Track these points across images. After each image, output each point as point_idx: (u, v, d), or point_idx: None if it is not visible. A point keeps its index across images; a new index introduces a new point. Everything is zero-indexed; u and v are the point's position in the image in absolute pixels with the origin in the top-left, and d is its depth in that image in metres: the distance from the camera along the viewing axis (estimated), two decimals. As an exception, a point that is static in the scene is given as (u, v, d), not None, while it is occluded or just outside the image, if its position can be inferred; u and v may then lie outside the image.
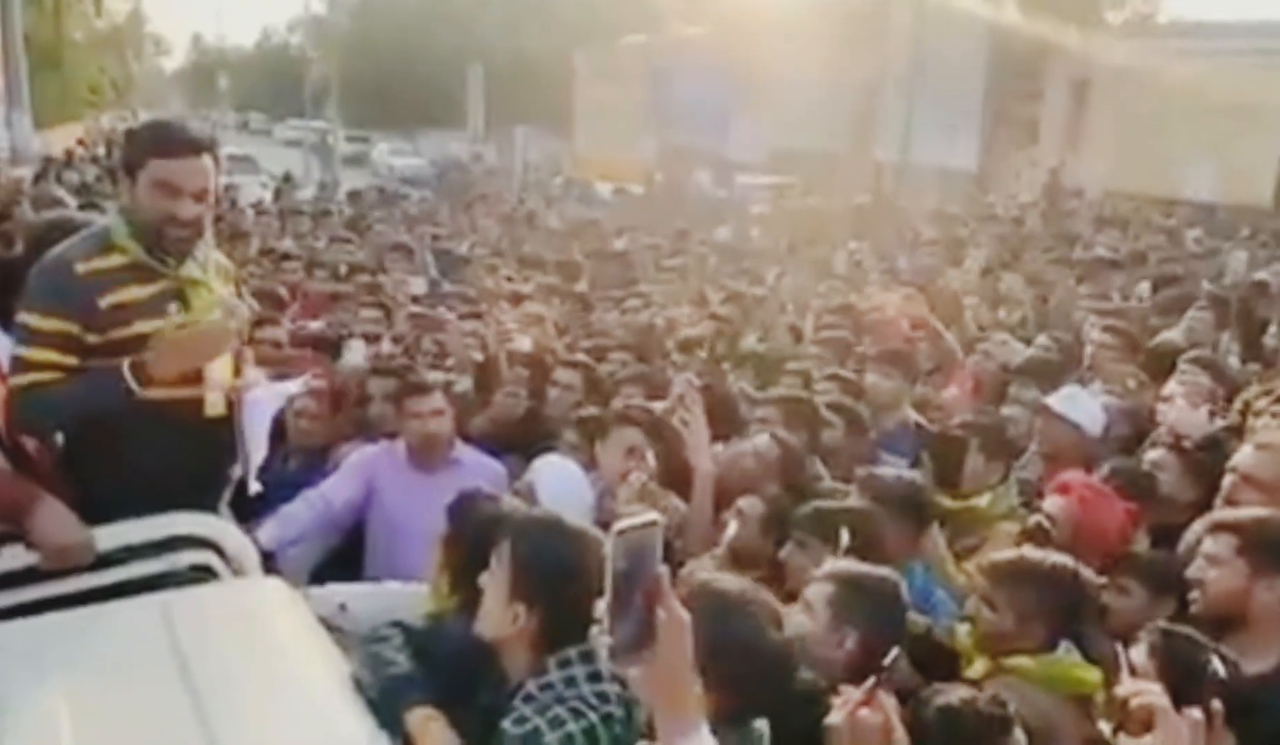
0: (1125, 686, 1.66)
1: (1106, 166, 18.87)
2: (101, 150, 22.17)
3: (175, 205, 2.26)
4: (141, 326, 2.24)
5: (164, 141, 2.28)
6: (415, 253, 7.47)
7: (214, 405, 2.37)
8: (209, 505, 2.39)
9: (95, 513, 2.18)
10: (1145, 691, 1.61)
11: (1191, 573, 2.27)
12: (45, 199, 9.16)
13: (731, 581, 1.77)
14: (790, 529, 2.62)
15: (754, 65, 26.12)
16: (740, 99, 27.27)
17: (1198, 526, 2.55)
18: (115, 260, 2.25)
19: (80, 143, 23.72)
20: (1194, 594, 2.23)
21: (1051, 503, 2.76)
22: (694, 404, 3.02)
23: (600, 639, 1.15)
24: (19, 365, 2.20)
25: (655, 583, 1.14)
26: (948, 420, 3.73)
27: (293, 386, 2.63)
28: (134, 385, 2.19)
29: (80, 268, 2.21)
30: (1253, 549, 2.17)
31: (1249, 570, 2.16)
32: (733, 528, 2.70)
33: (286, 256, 7.00)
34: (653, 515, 1.17)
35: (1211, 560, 2.22)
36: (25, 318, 2.20)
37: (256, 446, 2.48)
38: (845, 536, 2.39)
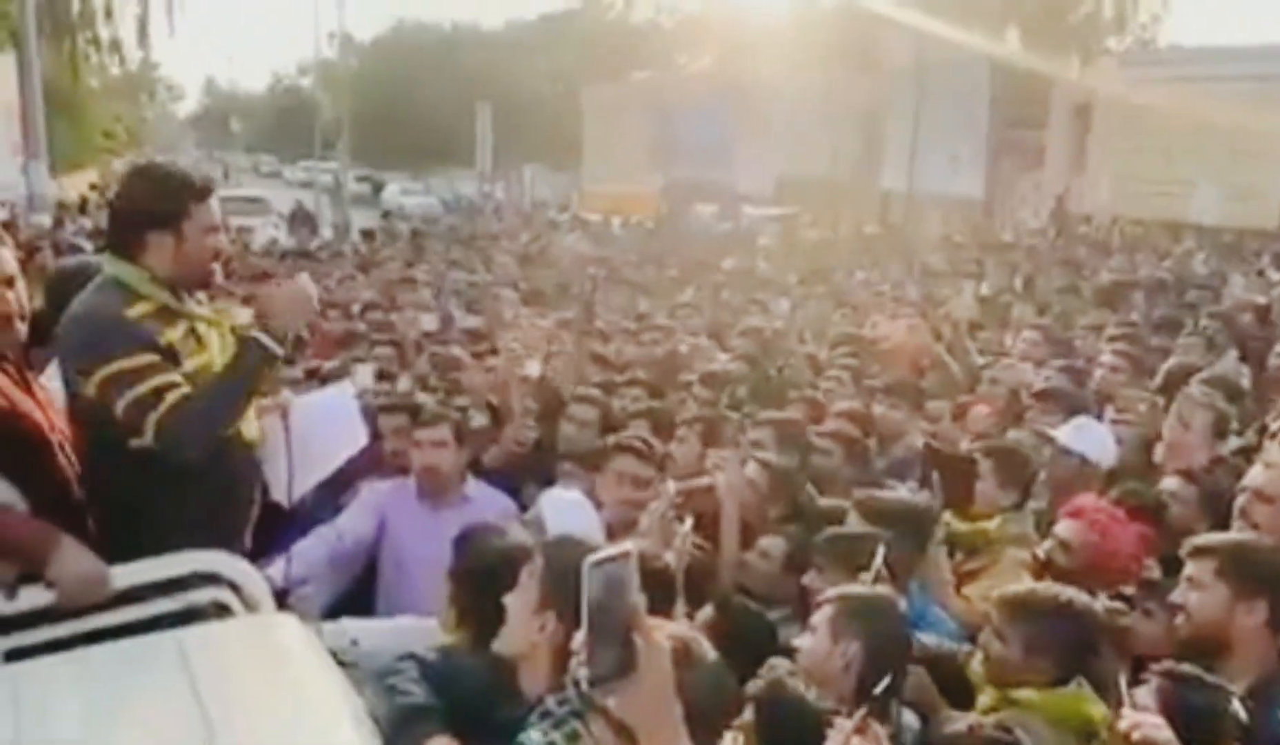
0: (1126, 719, 1.65)
1: (1112, 191, 18.91)
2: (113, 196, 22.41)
3: (217, 242, 2.40)
4: (189, 365, 2.30)
5: (197, 186, 2.37)
6: (430, 289, 7.53)
7: (251, 429, 2.44)
8: (235, 540, 2.42)
9: (120, 551, 2.19)
10: (1144, 723, 1.60)
11: (1175, 597, 2.26)
12: (64, 245, 9.34)
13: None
14: (811, 556, 2.65)
15: (759, 98, 26.36)
16: (746, 131, 27.50)
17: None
18: (144, 307, 2.30)
19: (94, 187, 24.03)
20: (1179, 619, 2.22)
21: (1065, 527, 2.76)
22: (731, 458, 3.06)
23: (579, 670, 1.15)
24: (149, 399, 2.18)
25: (633, 612, 1.16)
26: (971, 440, 3.74)
27: (364, 375, 2.70)
28: (274, 346, 2.27)
29: (130, 313, 2.26)
30: (1232, 573, 2.17)
31: (1230, 594, 2.16)
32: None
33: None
34: (626, 546, 1.19)
35: (1193, 584, 2.22)
36: (115, 367, 2.18)
37: (346, 442, 2.63)
38: (882, 554, 2.41)
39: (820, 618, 2.15)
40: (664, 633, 1.34)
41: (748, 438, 3.61)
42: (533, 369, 4.18)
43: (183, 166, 2.53)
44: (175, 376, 2.24)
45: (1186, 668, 1.94)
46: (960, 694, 2.33)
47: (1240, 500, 2.64)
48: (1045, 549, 2.72)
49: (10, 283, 2.26)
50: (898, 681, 2.11)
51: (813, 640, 2.13)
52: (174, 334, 2.32)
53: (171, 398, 2.20)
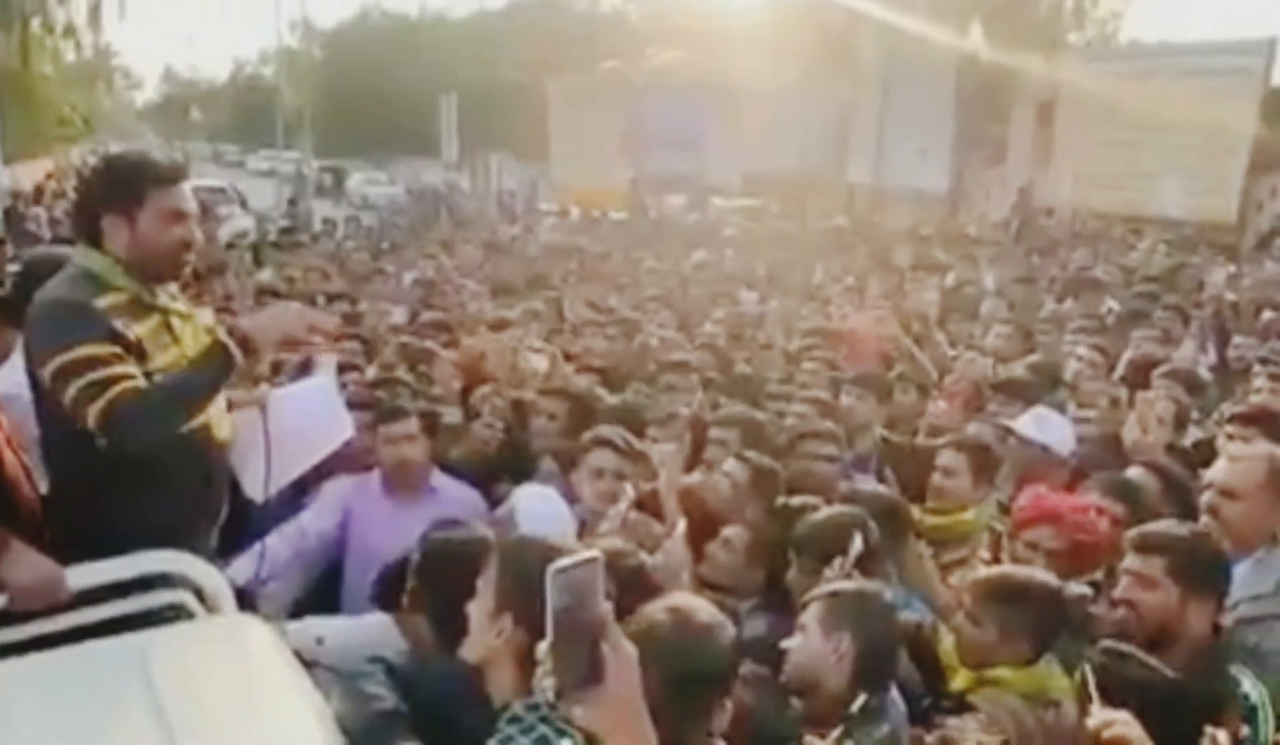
0: (1096, 718, 1.67)
1: (1074, 185, 19.16)
2: (71, 184, 22.01)
3: (185, 231, 2.31)
4: (155, 362, 2.24)
5: (158, 171, 2.30)
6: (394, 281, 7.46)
7: (221, 428, 2.39)
8: (202, 539, 2.38)
9: (84, 550, 2.14)
10: (1116, 721, 1.62)
11: (1119, 592, 2.29)
12: (24, 235, 9.15)
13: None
14: (790, 551, 2.66)
15: (727, 89, 26.37)
16: (714, 123, 27.51)
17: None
18: (113, 299, 2.23)
19: (50, 176, 23.54)
20: (1120, 612, 2.26)
21: (1039, 533, 2.77)
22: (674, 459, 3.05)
23: (544, 681, 1.13)
24: (94, 389, 2.10)
25: (599, 620, 1.14)
26: (934, 434, 3.77)
27: (327, 365, 2.69)
28: (237, 355, 2.19)
29: (99, 303, 2.19)
30: (1182, 571, 2.21)
31: (1180, 592, 2.20)
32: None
33: (268, 290, 6.95)
34: (592, 553, 1.16)
35: (1141, 581, 2.25)
36: (73, 355, 2.12)
37: (329, 435, 2.62)
38: (859, 541, 2.44)
39: (809, 616, 2.17)
40: (661, 604, 1.30)
41: (712, 436, 3.59)
42: (540, 364, 4.12)
43: (148, 152, 2.47)
44: (131, 369, 2.17)
45: (1125, 647, 2.02)
46: (931, 668, 2.43)
47: (1206, 496, 2.67)
48: (1017, 552, 2.75)
49: None
50: (890, 672, 2.15)
51: (803, 638, 2.15)
52: (144, 328, 2.26)
53: (118, 389, 2.12)
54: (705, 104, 27.60)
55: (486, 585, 1.74)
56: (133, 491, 2.22)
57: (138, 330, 2.24)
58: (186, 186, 2.35)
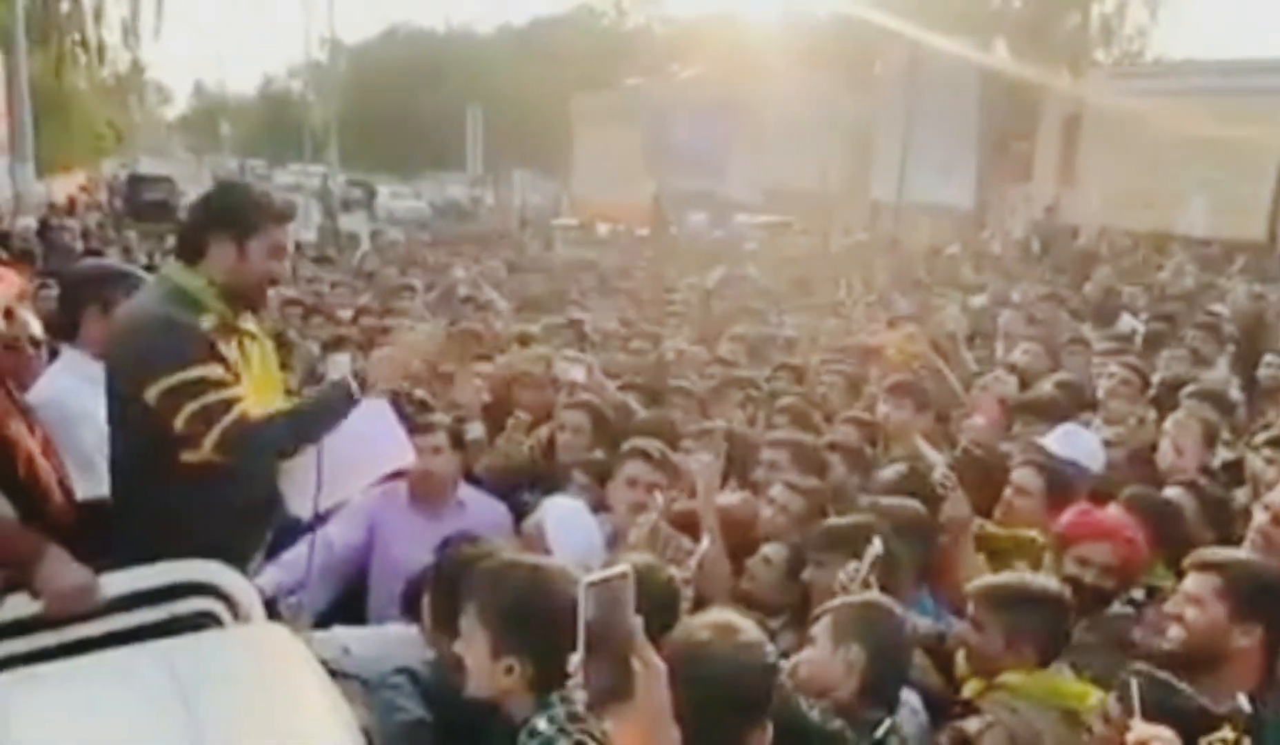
0: (1137, 731, 1.65)
1: (1100, 203, 19.04)
2: (104, 197, 22.38)
3: (280, 267, 2.44)
4: (244, 381, 2.31)
5: (276, 209, 2.41)
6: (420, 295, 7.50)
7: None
8: (251, 557, 2.45)
9: (144, 562, 2.18)
10: (1158, 736, 1.60)
11: (1169, 607, 2.26)
12: (59, 247, 9.29)
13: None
14: (808, 552, 2.66)
15: (751, 106, 26.46)
16: (737, 139, 27.60)
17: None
18: (209, 321, 2.29)
19: (83, 189, 23.92)
20: (1174, 631, 2.21)
21: (1091, 549, 2.73)
22: (712, 471, 3.04)
23: (576, 692, 1.15)
24: (214, 411, 2.17)
25: (629, 633, 1.15)
26: (977, 448, 3.73)
27: (341, 365, 2.75)
28: (357, 391, 2.30)
29: (205, 323, 2.26)
30: (1234, 593, 2.16)
31: (1228, 613, 2.15)
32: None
33: (295, 302, 6.98)
34: (623, 567, 1.18)
35: (1191, 599, 2.20)
36: (189, 373, 2.17)
37: (385, 458, 2.66)
38: (878, 544, 2.44)
39: (819, 627, 2.17)
40: (702, 620, 1.40)
41: (764, 458, 3.55)
42: (578, 374, 4.11)
43: (263, 189, 2.59)
44: (242, 392, 2.25)
45: (1160, 674, 1.98)
46: (950, 673, 2.44)
47: (1260, 519, 2.62)
48: (1067, 567, 2.72)
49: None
50: (900, 683, 2.15)
51: (813, 650, 2.14)
52: (231, 350, 2.33)
53: (238, 412, 2.20)
54: (728, 121, 27.71)
55: (473, 628, 1.72)
56: (199, 507, 2.26)
57: (229, 352, 2.30)
58: (290, 227, 2.48)
